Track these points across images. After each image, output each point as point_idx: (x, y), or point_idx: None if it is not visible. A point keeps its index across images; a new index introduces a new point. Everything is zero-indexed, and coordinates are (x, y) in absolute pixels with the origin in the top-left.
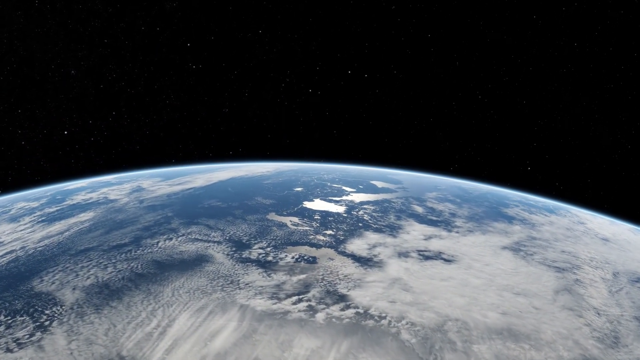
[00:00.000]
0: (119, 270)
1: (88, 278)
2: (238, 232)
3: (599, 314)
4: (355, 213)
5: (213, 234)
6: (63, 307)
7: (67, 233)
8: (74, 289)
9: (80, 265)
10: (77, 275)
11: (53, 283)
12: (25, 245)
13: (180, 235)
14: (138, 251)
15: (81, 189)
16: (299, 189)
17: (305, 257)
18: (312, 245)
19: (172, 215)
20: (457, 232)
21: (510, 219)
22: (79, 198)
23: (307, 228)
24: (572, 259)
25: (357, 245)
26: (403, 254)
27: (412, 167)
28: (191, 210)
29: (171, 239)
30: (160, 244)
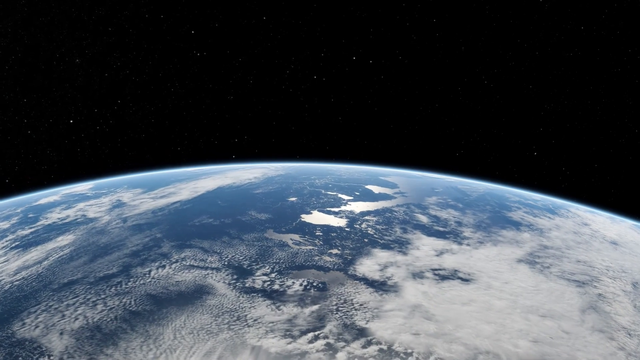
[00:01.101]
0: (111, 308)
1: (76, 319)
2: (237, 256)
3: (629, 334)
4: (358, 226)
5: (210, 258)
6: (51, 358)
7: (46, 262)
8: (61, 333)
9: (65, 302)
10: (64, 315)
11: (37, 327)
12: (0, 278)
13: (174, 262)
14: (129, 283)
15: (55, 204)
16: (293, 198)
17: (314, 284)
18: (319, 268)
19: (161, 237)
20: (468, 245)
21: (517, 225)
22: (54, 216)
23: (311, 247)
24: (589, 270)
25: (367, 267)
26: (417, 275)
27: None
28: (181, 229)
29: (164, 266)
30: (152, 273)
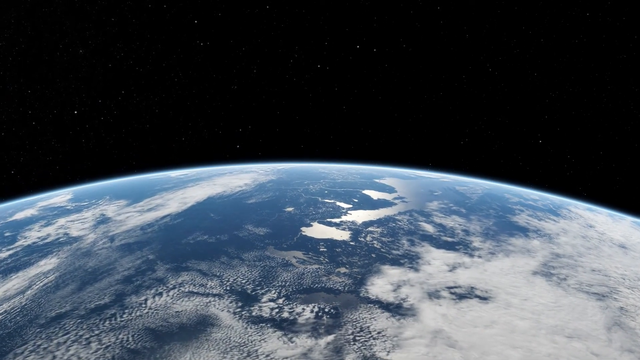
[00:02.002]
0: (107, 346)
1: None
2: (239, 279)
3: None
4: (362, 239)
5: (210, 283)
6: None
7: (29, 292)
8: None
9: (55, 341)
10: (54, 357)
11: None
12: None
13: (171, 288)
14: (124, 315)
15: (33, 219)
16: (290, 209)
17: (326, 310)
18: (328, 291)
19: (154, 259)
20: (479, 257)
21: (524, 231)
22: (33, 235)
23: (317, 266)
24: (605, 280)
25: (379, 287)
26: (433, 294)
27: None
28: (175, 249)
29: (161, 294)
30: (149, 303)
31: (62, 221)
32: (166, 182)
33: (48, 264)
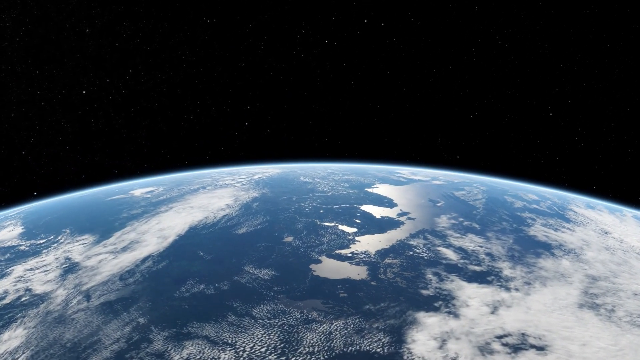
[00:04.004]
0: None
1: None
2: (257, 347)
3: None
4: (383, 277)
5: (223, 355)
6: None
7: None
8: None
9: None
10: None
11: None
12: None
13: None
14: None
15: None
16: (289, 238)
17: None
18: (367, 356)
19: (146, 323)
20: (516, 290)
21: (548, 248)
22: None
23: (343, 321)
24: None
25: (423, 344)
26: (485, 349)
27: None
28: (169, 306)
29: None
30: None
31: (19, 270)
32: (132, 204)
33: (14, 337)
